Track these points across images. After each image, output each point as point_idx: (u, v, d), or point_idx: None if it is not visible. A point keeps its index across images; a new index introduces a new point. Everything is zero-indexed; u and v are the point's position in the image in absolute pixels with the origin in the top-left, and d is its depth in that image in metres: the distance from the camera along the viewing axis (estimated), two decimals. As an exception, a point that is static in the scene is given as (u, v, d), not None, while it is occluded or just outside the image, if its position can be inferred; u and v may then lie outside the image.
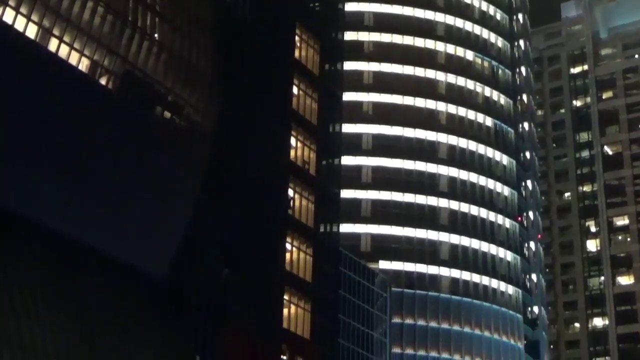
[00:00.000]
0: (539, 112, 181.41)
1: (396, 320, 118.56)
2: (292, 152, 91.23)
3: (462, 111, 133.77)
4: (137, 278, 68.90)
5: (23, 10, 57.91)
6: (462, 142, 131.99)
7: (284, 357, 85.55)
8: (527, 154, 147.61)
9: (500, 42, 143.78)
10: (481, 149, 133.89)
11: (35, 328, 58.35)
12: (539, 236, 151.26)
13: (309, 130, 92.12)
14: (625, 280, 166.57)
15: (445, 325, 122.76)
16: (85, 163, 62.74)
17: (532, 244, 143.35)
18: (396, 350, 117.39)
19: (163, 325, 69.43)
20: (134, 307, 67.21)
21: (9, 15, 56.87)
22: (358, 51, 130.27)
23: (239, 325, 78.63)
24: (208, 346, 74.99)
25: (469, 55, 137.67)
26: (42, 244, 61.46)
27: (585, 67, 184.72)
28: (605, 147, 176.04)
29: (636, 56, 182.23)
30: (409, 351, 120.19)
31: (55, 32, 60.40)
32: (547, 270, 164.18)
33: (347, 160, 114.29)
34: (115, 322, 64.05)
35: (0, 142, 56.98)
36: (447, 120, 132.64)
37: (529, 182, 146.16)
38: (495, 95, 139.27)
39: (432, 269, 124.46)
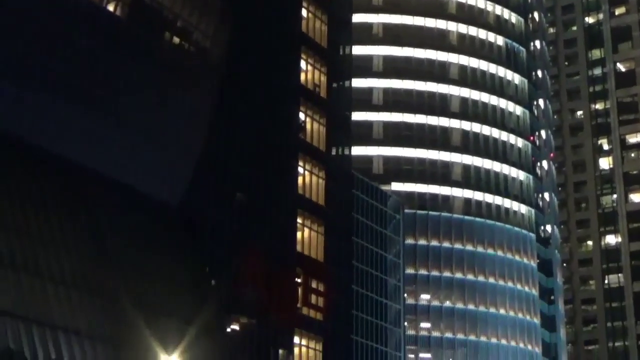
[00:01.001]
0: (551, 30, 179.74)
1: (409, 241, 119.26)
2: (303, 76, 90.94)
3: (472, 30, 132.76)
4: (151, 205, 69.36)
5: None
6: (473, 62, 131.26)
7: (298, 280, 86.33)
8: (539, 73, 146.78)
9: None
10: (492, 68, 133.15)
11: (50, 252, 58.96)
12: (552, 155, 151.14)
13: (319, 53, 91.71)
14: (637, 197, 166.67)
15: (458, 246, 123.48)
16: (97, 91, 62.77)
17: (544, 163, 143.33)
18: (410, 271, 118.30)
19: (178, 251, 70.07)
20: (148, 234, 67.77)
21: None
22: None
23: (253, 250, 79.24)
24: (223, 271, 75.71)
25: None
26: (57, 172, 61.86)
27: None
28: (618, 64, 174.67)
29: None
30: (423, 272, 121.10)
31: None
32: (560, 189, 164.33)
33: (357, 82, 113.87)
34: (130, 248, 64.65)
35: (14, 71, 57.00)
36: (457, 40, 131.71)
37: (540, 101, 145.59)
38: (506, 13, 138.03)
39: (445, 190, 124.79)
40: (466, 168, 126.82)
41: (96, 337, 58.87)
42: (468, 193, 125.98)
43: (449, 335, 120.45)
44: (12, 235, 56.66)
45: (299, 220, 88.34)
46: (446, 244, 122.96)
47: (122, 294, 60.58)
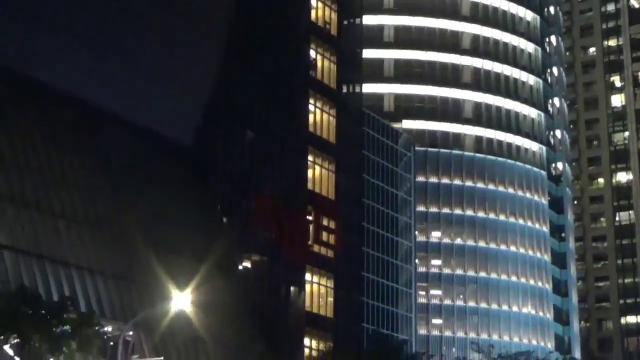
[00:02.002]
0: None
1: (420, 178, 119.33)
2: (313, 13, 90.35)
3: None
4: (162, 144, 69.52)
5: None
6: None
7: (310, 218, 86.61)
8: (551, 9, 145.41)
9: None
10: (504, 4, 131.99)
11: (63, 190, 59.24)
12: (563, 92, 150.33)
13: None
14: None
15: (469, 183, 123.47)
16: (107, 33, 62.68)
17: (556, 100, 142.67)
18: (420, 208, 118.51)
19: (189, 189, 70.29)
20: (160, 172, 67.95)
21: None
22: None
23: (265, 188, 79.47)
24: (234, 209, 76.00)
25: None
26: (69, 111, 61.96)
27: None
28: (632, 0, 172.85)
29: None
30: (434, 209, 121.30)
31: None
32: (571, 126, 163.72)
33: (368, 19, 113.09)
34: (142, 187, 64.86)
35: (26, 12, 56.91)
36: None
37: (553, 38, 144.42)
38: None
39: (456, 128, 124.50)
40: (477, 105, 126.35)
41: (109, 274, 59.35)
42: (479, 130, 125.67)
43: (459, 272, 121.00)
44: (25, 174, 56.92)
45: (310, 158, 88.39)
46: (457, 182, 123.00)
47: (135, 232, 60.91)
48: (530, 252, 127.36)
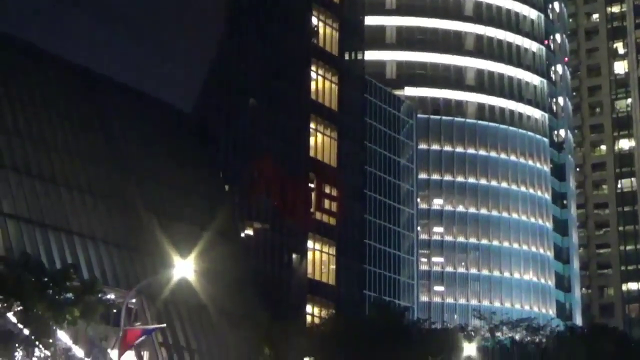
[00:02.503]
0: None
1: (422, 146, 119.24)
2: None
3: None
4: (165, 112, 69.50)
5: None
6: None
7: (311, 185, 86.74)
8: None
9: None
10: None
11: (65, 159, 59.27)
12: (566, 59, 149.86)
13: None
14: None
15: (471, 150, 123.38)
16: (111, 1, 62.59)
17: (559, 67, 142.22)
18: (423, 175, 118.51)
19: (192, 157, 70.30)
20: (163, 140, 67.93)
21: None
22: None
23: (267, 155, 79.48)
24: (236, 176, 76.06)
25: None
26: (72, 80, 61.89)
27: None
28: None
29: None
30: (436, 176, 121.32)
31: None
32: (574, 93, 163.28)
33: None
34: (145, 155, 64.86)
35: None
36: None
37: (556, 4, 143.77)
38: None
39: (458, 95, 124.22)
40: (480, 72, 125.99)
41: (112, 242, 59.49)
42: (481, 98, 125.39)
43: (461, 239, 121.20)
44: (27, 143, 56.93)
45: (312, 125, 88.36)
46: (459, 149, 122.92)
47: (137, 200, 61.02)
48: (532, 219, 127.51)
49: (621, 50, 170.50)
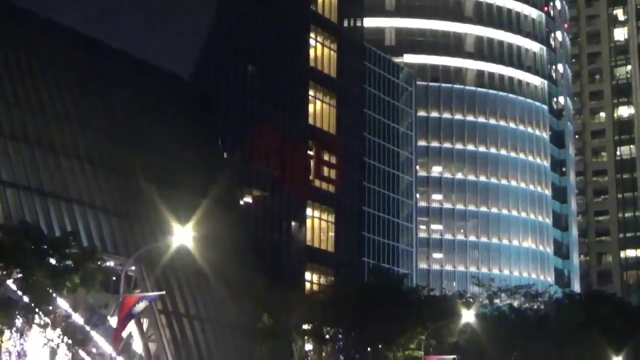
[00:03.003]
0: None
1: (421, 113, 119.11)
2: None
3: None
4: (164, 79, 69.34)
5: None
6: None
7: (311, 153, 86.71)
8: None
9: None
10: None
11: (64, 128, 59.20)
12: (566, 26, 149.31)
13: None
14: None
15: (470, 118, 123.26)
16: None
17: (558, 34, 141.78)
18: (422, 143, 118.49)
19: (190, 125, 70.21)
20: (161, 109, 67.83)
21: None
22: None
23: (266, 123, 79.39)
24: (235, 144, 76.01)
25: None
26: (70, 47, 61.68)
27: None
28: None
29: None
30: (435, 144, 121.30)
31: None
32: (574, 60, 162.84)
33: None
34: (144, 123, 64.78)
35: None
36: None
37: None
38: None
39: (458, 62, 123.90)
40: (479, 39, 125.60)
41: (110, 209, 59.56)
42: (481, 65, 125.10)
43: (460, 206, 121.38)
44: (25, 111, 56.85)
45: (311, 92, 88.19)
46: (458, 116, 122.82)
47: (136, 168, 61.00)
48: (531, 187, 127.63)
49: (621, 17, 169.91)
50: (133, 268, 56.93)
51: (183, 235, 40.22)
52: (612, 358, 70.23)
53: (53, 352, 43.75)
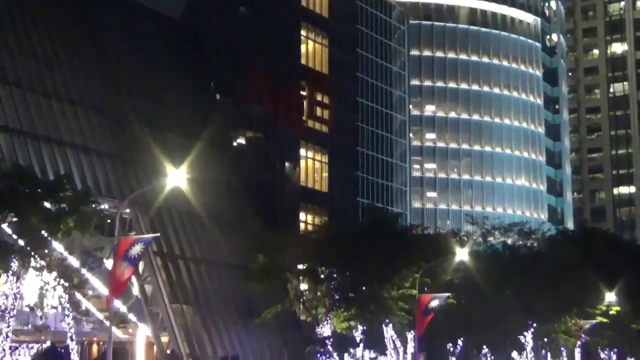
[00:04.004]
0: None
1: (414, 52, 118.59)
2: None
3: None
4: (155, 21, 68.85)
5: None
6: None
7: (303, 93, 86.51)
8: None
9: None
10: None
11: (56, 72, 58.96)
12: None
13: None
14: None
15: (463, 56, 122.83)
16: None
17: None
18: (415, 82, 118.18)
19: (182, 67, 69.88)
20: (153, 51, 67.44)
21: None
22: None
23: (258, 64, 79.07)
24: (228, 86, 75.76)
25: None
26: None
27: None
28: None
29: None
30: (428, 83, 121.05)
31: None
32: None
33: None
34: (136, 66, 64.45)
35: None
36: None
37: None
38: None
39: (450, 0, 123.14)
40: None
41: (104, 153, 59.57)
42: (473, 2, 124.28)
43: (453, 145, 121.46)
44: (17, 56, 56.56)
45: (303, 32, 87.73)
46: (451, 55, 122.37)
47: (129, 111, 60.89)
48: (524, 125, 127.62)
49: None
50: (127, 211, 57.06)
51: (177, 177, 40.23)
52: (605, 294, 70.84)
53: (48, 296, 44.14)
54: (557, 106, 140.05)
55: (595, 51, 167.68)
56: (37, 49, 58.34)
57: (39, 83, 57.43)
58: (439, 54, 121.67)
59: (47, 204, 39.25)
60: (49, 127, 56.72)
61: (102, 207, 52.25)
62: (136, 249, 37.45)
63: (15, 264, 37.43)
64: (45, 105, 57.28)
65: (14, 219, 38.94)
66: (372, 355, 65.08)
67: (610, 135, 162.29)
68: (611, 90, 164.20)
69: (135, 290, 59.35)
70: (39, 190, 39.33)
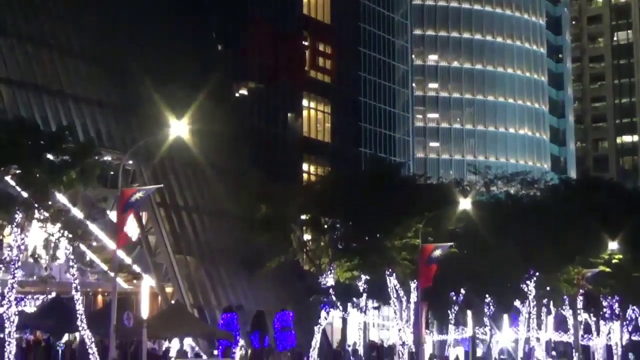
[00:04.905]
0: None
1: (417, 1, 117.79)
2: None
3: None
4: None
5: None
6: None
7: (305, 43, 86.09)
8: None
9: None
10: None
11: (56, 23, 58.67)
12: None
13: None
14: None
15: (466, 5, 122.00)
16: None
17: None
18: (417, 31, 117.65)
19: (184, 18, 69.37)
20: (154, 3, 66.79)
21: None
22: None
23: (259, 14, 78.61)
24: (229, 36, 75.37)
25: None
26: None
27: None
28: None
29: None
30: (430, 32, 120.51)
31: None
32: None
33: None
34: (136, 17, 63.98)
35: None
36: None
37: None
38: None
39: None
40: None
41: (106, 104, 59.51)
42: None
43: (456, 95, 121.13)
44: (16, 8, 56.22)
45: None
46: (454, 4, 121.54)
47: (131, 63, 60.62)
48: (528, 74, 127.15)
49: None
50: (130, 162, 57.11)
51: (179, 129, 40.20)
52: (607, 243, 70.97)
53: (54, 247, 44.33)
54: (560, 55, 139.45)
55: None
56: (37, 1, 57.98)
57: (40, 35, 57.20)
58: (442, 2, 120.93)
59: (49, 156, 39.21)
60: (51, 78, 56.60)
61: (105, 158, 52.33)
62: (138, 197, 37.61)
63: (19, 216, 37.49)
64: (47, 57, 57.10)
65: (17, 171, 38.93)
66: (375, 304, 65.44)
67: (614, 84, 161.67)
68: (615, 38, 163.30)
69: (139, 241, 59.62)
70: (42, 142, 39.27)
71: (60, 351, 47.36)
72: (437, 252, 52.66)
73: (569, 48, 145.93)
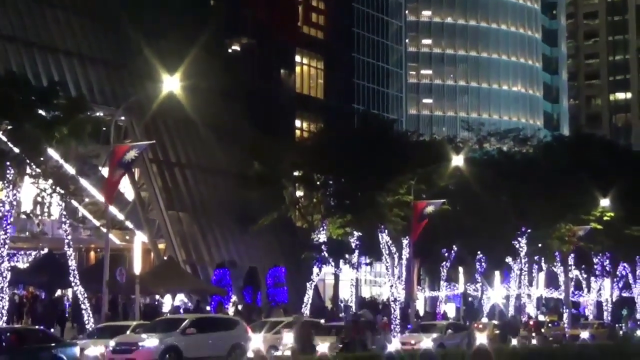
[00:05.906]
0: None
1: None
2: None
3: None
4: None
5: None
6: None
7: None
8: None
9: None
10: None
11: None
12: None
13: None
14: None
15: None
16: None
17: None
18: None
19: None
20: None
21: None
22: None
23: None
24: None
25: None
26: None
27: None
28: None
29: None
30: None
31: None
32: None
33: None
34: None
35: None
36: None
37: None
38: None
39: None
40: None
41: (98, 60, 59.24)
42: None
43: (450, 51, 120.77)
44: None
45: None
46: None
47: (122, 18, 60.20)
48: (521, 30, 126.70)
49: None
50: (122, 118, 56.92)
51: (171, 84, 40.02)
52: (599, 200, 71.09)
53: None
54: (554, 11, 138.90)
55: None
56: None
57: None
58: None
59: (41, 112, 38.99)
60: (42, 33, 56.25)
61: (97, 114, 52.11)
62: (131, 155, 37.54)
63: (10, 172, 37.35)
64: (38, 11, 56.69)
65: (9, 127, 38.74)
66: (368, 261, 65.62)
67: (608, 41, 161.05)
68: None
69: (131, 197, 59.61)
70: (33, 97, 39.03)
71: (67, 305, 47.63)
72: (430, 209, 52.76)
73: (563, 4, 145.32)
